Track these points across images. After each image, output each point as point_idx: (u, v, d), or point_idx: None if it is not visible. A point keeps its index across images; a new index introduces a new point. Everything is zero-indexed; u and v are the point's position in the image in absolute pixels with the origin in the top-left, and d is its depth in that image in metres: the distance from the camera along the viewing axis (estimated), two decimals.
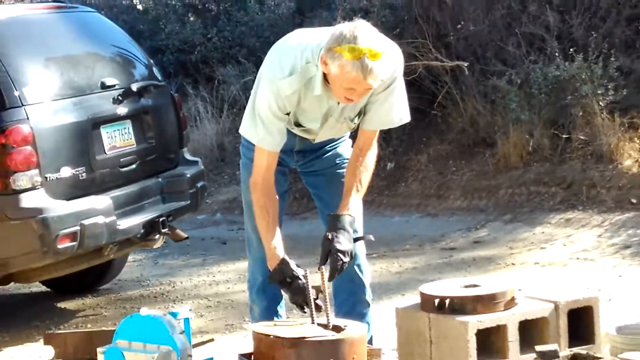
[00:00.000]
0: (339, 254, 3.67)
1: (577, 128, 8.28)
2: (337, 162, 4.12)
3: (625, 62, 8.51)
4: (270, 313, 4.04)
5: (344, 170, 4.01)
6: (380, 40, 3.53)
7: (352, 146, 4.07)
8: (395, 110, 3.87)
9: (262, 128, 3.80)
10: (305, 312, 3.61)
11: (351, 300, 4.10)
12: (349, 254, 3.71)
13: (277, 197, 3.86)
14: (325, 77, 3.65)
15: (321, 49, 3.61)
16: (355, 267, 4.08)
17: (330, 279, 3.68)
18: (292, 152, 4.08)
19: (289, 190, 4.22)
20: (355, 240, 3.81)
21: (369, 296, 4.18)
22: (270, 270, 3.74)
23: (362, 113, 3.88)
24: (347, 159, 4.04)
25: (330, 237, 3.70)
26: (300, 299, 3.60)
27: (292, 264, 3.69)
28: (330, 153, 4.13)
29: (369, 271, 4.22)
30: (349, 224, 3.76)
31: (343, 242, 3.70)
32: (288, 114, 3.81)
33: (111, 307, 6.70)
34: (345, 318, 3.74)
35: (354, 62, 3.46)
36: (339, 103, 3.78)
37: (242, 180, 4.17)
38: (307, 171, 4.19)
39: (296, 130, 3.94)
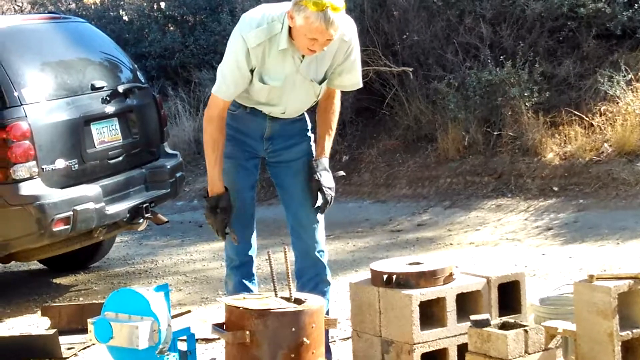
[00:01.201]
0: (328, 189, 3.93)
1: (507, 125, 8.30)
2: (305, 157, 4.03)
3: (547, 68, 8.54)
4: (242, 287, 4.03)
5: (309, 165, 3.99)
6: None
7: (314, 141, 4.05)
8: (356, 74, 3.94)
9: (221, 79, 3.82)
10: (218, 238, 3.94)
11: (315, 280, 4.07)
12: (334, 188, 3.97)
13: (224, 126, 3.89)
14: (290, 34, 3.65)
15: (285, 13, 3.63)
16: (317, 253, 4.06)
17: (322, 212, 3.98)
18: (262, 139, 3.99)
19: (258, 180, 4.16)
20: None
21: (329, 276, 4.15)
22: (209, 194, 3.89)
23: (326, 78, 3.86)
24: (312, 157, 4.01)
25: (317, 178, 3.91)
26: (219, 228, 3.87)
27: (227, 197, 3.85)
28: (298, 147, 4.03)
29: (327, 254, 4.18)
30: (327, 164, 3.97)
31: (328, 180, 3.95)
32: (252, 71, 3.76)
33: (101, 282, 6.65)
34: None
35: (317, 14, 3.49)
36: (301, 61, 3.74)
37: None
38: (275, 161, 4.06)
39: (264, 99, 3.85)
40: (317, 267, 4.08)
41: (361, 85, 4.04)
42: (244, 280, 4.06)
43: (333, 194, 3.98)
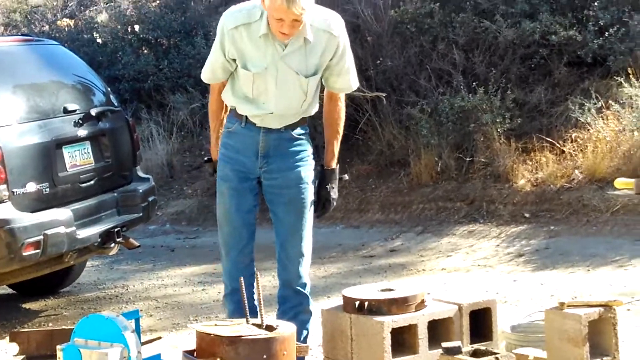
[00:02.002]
0: (333, 201, 4.07)
1: (479, 151, 8.35)
2: (301, 186, 3.97)
3: (519, 95, 8.62)
4: (237, 314, 3.96)
5: (305, 195, 3.96)
6: None
7: (313, 169, 4.03)
8: (350, 77, 3.96)
9: (207, 62, 3.96)
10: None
11: (296, 309, 4.02)
12: (336, 198, 4.10)
13: (223, 105, 4.04)
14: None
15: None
16: (299, 286, 4.01)
17: (319, 217, 4.14)
18: (257, 156, 3.93)
19: (258, 205, 4.07)
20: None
21: (311, 306, 4.10)
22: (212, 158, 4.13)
23: (316, 74, 3.83)
24: (309, 184, 3.98)
25: (328, 188, 4.04)
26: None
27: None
28: (293, 173, 3.96)
29: (309, 285, 4.13)
30: (338, 173, 4.09)
31: (335, 192, 4.08)
32: (235, 60, 3.83)
33: (71, 307, 6.59)
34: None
35: None
36: (284, 49, 3.75)
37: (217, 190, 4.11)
38: (269, 184, 3.98)
39: (251, 92, 3.84)
40: (299, 297, 4.04)
41: (355, 88, 4.06)
42: (238, 308, 3.95)
43: (335, 203, 4.11)
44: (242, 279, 3.50)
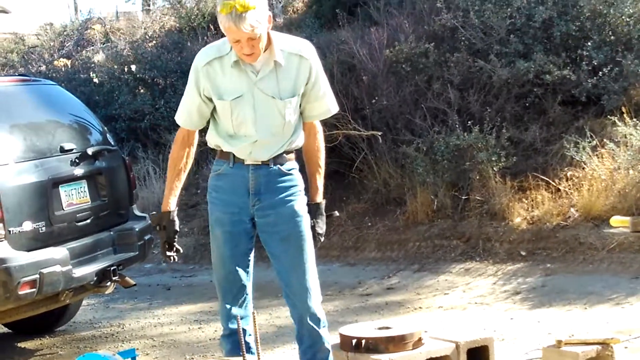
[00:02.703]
0: (319, 236, 4.00)
1: (475, 190, 8.37)
2: (296, 219, 3.92)
3: (514, 133, 8.65)
4: (234, 353, 3.92)
5: (301, 229, 3.91)
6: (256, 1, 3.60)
7: (307, 203, 3.99)
8: (327, 101, 3.95)
9: (182, 106, 3.96)
10: (165, 257, 3.99)
11: (312, 349, 3.96)
12: (324, 233, 4.04)
13: (189, 155, 4.00)
14: None
15: None
16: (311, 322, 3.94)
17: None
18: (248, 194, 3.90)
19: (253, 248, 4.02)
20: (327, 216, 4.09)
21: (327, 344, 3.99)
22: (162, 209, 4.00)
23: (294, 96, 3.82)
24: (304, 216, 3.93)
25: (312, 224, 3.96)
26: (161, 246, 3.98)
27: (173, 216, 3.97)
28: (285, 208, 3.91)
29: (325, 321, 4.03)
30: (323, 208, 4.04)
31: (322, 226, 4.02)
32: (210, 99, 3.84)
33: (66, 346, 6.56)
34: None
35: (227, 16, 3.56)
36: (256, 75, 3.76)
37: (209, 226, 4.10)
38: (263, 223, 3.93)
39: (232, 125, 3.84)
40: (312, 336, 3.95)
41: (334, 112, 4.01)
42: (234, 348, 3.91)
43: (322, 239, 4.04)
44: (239, 317, 3.48)
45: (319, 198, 4.03)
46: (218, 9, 3.60)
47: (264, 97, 3.80)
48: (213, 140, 3.98)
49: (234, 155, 3.92)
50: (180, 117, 4.00)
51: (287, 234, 3.91)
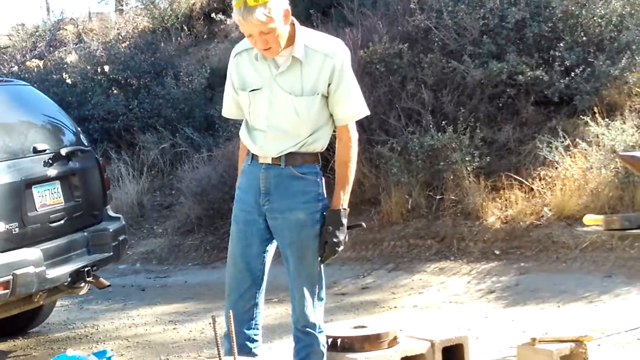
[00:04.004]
0: (335, 247, 3.77)
1: (449, 189, 8.39)
2: (300, 229, 3.80)
3: (488, 134, 8.69)
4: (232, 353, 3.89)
5: (303, 239, 3.82)
6: None
7: (325, 210, 3.85)
8: (353, 103, 3.83)
9: (224, 97, 4.02)
10: None
11: (306, 350, 3.93)
12: (343, 242, 3.80)
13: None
14: None
15: None
16: (307, 327, 3.90)
17: (323, 262, 3.82)
18: (259, 192, 3.84)
19: (268, 252, 3.92)
20: (349, 227, 3.85)
21: (323, 347, 3.96)
22: None
23: (313, 94, 3.74)
24: (310, 227, 3.81)
25: (329, 230, 3.76)
26: None
27: None
28: (294, 215, 3.80)
29: (323, 327, 3.99)
30: (344, 216, 3.80)
31: (339, 235, 3.77)
32: (240, 88, 3.85)
33: (40, 348, 6.51)
34: None
35: (238, 10, 3.58)
36: (277, 69, 3.75)
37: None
38: (273, 224, 3.85)
39: (251, 114, 3.83)
40: (309, 337, 3.92)
41: (363, 115, 3.89)
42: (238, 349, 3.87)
43: (339, 248, 3.80)
44: (231, 316, 3.44)
45: (338, 206, 3.83)
46: (233, 2, 3.64)
47: (281, 92, 3.77)
48: (241, 134, 3.97)
49: (252, 154, 3.90)
50: (223, 110, 4.08)
51: (290, 241, 3.84)
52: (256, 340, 3.92)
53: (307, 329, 3.91)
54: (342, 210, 3.81)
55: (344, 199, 3.83)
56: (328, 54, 3.73)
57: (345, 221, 3.82)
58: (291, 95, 3.75)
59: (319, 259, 3.83)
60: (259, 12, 3.55)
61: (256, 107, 3.81)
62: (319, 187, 3.86)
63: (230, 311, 3.41)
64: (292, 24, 3.73)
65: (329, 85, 3.75)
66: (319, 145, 3.86)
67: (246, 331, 3.89)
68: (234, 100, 3.95)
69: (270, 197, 3.83)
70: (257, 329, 3.93)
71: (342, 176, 3.85)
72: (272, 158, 3.82)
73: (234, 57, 3.89)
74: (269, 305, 5.43)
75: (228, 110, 4.03)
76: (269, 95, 3.78)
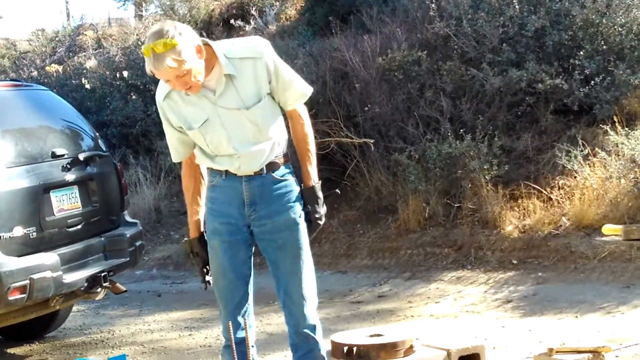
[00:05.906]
0: (318, 221, 3.94)
1: (467, 198, 8.37)
2: (292, 228, 3.87)
3: (506, 142, 8.67)
4: None
5: (297, 237, 3.88)
6: (167, 29, 3.53)
7: (302, 209, 3.91)
8: (297, 86, 3.86)
9: (168, 143, 3.96)
10: (204, 282, 4.00)
11: (308, 356, 3.94)
12: (324, 215, 3.98)
13: (199, 177, 3.98)
14: None
15: None
16: (307, 329, 3.92)
17: (310, 237, 3.94)
18: (244, 205, 3.86)
19: (252, 256, 3.98)
20: (325, 197, 4.00)
21: (323, 351, 3.99)
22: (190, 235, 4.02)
23: (259, 101, 3.74)
24: (300, 224, 3.88)
25: (309, 208, 3.91)
26: (198, 272, 4.03)
27: (202, 241, 3.97)
28: (281, 217, 3.86)
29: (320, 329, 4.03)
30: (319, 190, 3.94)
31: (319, 210, 3.95)
32: (181, 128, 3.82)
33: (56, 352, 6.54)
34: None
35: (148, 59, 3.53)
36: (214, 94, 3.72)
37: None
38: (260, 231, 3.89)
39: (211, 149, 3.80)
40: (309, 343, 3.93)
41: (309, 93, 3.91)
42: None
43: (321, 221, 3.95)
44: (230, 327, 3.45)
45: (312, 182, 3.92)
46: (143, 52, 3.58)
47: (228, 112, 3.74)
48: (202, 162, 3.94)
49: (225, 170, 3.88)
50: (172, 156, 4.02)
51: (282, 242, 3.87)
52: (253, 346, 3.95)
53: (307, 333, 3.92)
54: (315, 185, 3.93)
55: (313, 174, 3.93)
56: (255, 57, 3.73)
57: (321, 194, 3.95)
58: (240, 110, 3.75)
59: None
60: (168, 60, 3.50)
61: (213, 137, 3.79)
62: (297, 185, 3.96)
63: (230, 322, 3.43)
64: (207, 45, 3.69)
65: (270, 82, 3.78)
66: (284, 139, 3.92)
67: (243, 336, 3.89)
68: (180, 141, 3.90)
69: (257, 207, 3.86)
70: (253, 332, 3.98)
71: (305, 152, 3.92)
72: (254, 172, 3.85)
73: (163, 101, 3.81)
74: (272, 314, 5.43)
75: (177, 153, 3.96)
76: (220, 121, 3.76)
